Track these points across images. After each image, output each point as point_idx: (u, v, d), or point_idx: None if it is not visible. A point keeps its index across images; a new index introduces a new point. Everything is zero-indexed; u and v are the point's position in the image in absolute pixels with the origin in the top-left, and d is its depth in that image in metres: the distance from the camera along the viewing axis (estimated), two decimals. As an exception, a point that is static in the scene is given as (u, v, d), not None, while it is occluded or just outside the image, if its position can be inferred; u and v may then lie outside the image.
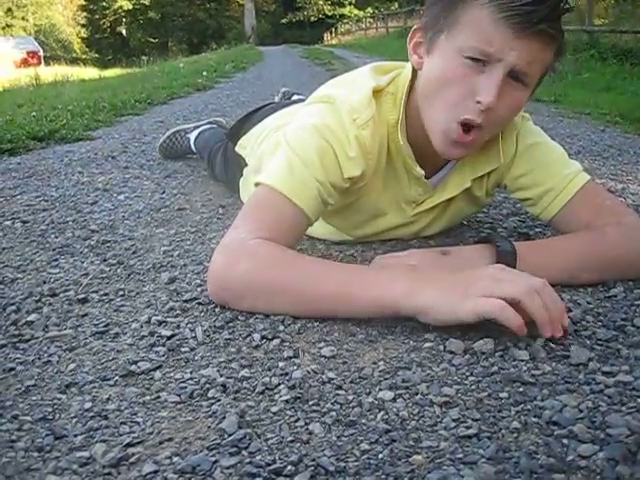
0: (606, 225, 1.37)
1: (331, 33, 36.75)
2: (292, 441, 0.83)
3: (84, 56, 38.87)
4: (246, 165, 1.92)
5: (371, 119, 1.33)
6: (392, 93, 1.38)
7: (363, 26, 30.73)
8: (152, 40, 41.83)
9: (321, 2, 42.85)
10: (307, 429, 0.86)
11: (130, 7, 41.27)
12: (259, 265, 1.19)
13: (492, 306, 1.03)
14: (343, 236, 1.63)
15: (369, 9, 39.64)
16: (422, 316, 1.10)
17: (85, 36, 43.31)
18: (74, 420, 0.90)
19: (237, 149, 2.03)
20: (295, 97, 3.31)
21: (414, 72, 1.37)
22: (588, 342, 1.09)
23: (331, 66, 11.01)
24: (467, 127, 1.25)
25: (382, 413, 0.89)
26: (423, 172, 1.44)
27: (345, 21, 38.02)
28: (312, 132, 1.31)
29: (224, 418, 0.89)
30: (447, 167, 1.49)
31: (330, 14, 42.36)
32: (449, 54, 1.22)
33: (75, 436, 0.86)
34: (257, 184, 1.32)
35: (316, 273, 1.19)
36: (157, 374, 1.03)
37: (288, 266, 1.20)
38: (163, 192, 2.35)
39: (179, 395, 0.96)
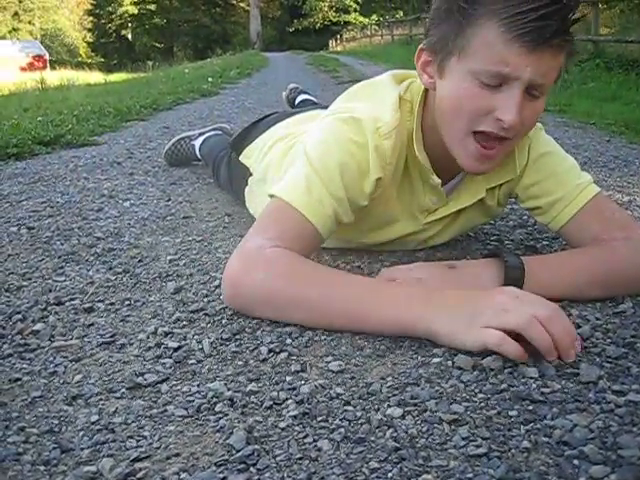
0: (614, 239, 1.36)
1: (336, 40, 36.83)
2: (300, 458, 0.83)
3: (90, 60, 38.96)
4: (251, 175, 1.92)
5: (395, 128, 1.33)
6: (409, 101, 1.38)
7: (368, 33, 30.75)
8: (157, 45, 41.95)
9: (326, 9, 42.96)
10: (316, 446, 0.85)
11: (136, 12, 41.40)
12: (275, 274, 1.19)
13: (491, 338, 1.03)
14: (351, 244, 1.62)
15: (374, 16, 39.70)
16: (433, 339, 1.11)
17: (91, 40, 43.45)
18: (81, 433, 0.90)
19: (241, 159, 2.02)
20: (303, 96, 3.31)
21: None
22: (598, 359, 1.08)
23: (336, 73, 11.03)
24: (485, 136, 1.24)
25: (391, 430, 0.88)
26: (439, 181, 1.43)
27: (350, 28, 38.10)
28: (334, 147, 1.31)
29: (232, 433, 0.88)
30: (460, 176, 1.49)
31: (335, 21, 42.50)
32: (462, 77, 1.22)
33: (82, 450, 0.86)
34: (273, 195, 1.32)
35: (331, 288, 1.19)
36: (164, 387, 1.02)
37: (304, 278, 1.20)
38: (169, 199, 2.35)
39: (186, 409, 0.95)
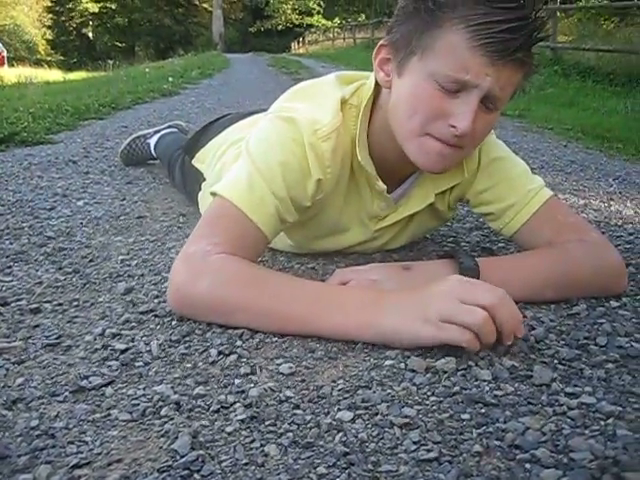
0: (569, 242, 1.36)
1: (298, 42, 36.81)
2: (247, 464, 0.80)
3: (49, 58, 38.36)
4: (204, 179, 1.88)
5: (335, 131, 1.30)
6: (355, 105, 1.35)
7: (331, 36, 30.82)
8: (119, 44, 41.49)
9: (289, 11, 42.90)
10: (263, 451, 0.83)
11: (97, 10, 40.91)
12: (221, 281, 1.16)
13: (453, 335, 1.03)
14: (303, 250, 1.60)
15: (337, 19, 39.83)
16: (386, 342, 1.09)
17: (50, 38, 42.78)
18: (19, 439, 0.86)
19: (194, 163, 1.98)
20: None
21: (377, 85, 1.34)
22: (551, 362, 1.07)
23: (297, 75, 11.01)
24: (442, 142, 1.23)
25: (340, 434, 0.86)
26: (385, 187, 1.41)
27: (313, 30, 38.11)
28: (275, 146, 1.29)
29: (177, 438, 0.85)
30: (408, 181, 1.47)
31: (298, 23, 42.45)
32: (421, 78, 1.20)
33: (19, 457, 0.82)
34: (215, 193, 1.29)
35: (280, 294, 1.16)
36: (109, 390, 0.99)
37: (251, 284, 1.17)
38: (123, 199, 2.31)
39: (131, 413, 0.92)
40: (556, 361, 1.07)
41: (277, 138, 1.29)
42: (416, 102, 1.22)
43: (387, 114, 1.31)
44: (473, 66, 1.14)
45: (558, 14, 11.22)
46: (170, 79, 9.12)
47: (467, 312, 1.02)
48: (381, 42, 1.30)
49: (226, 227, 1.25)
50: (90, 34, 43.28)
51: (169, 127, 2.80)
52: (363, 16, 36.13)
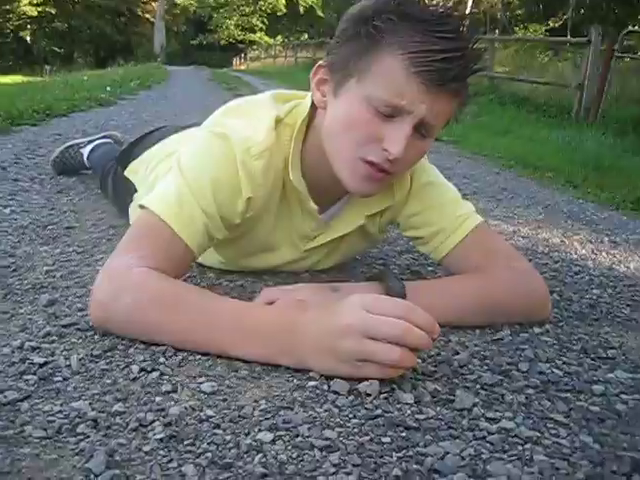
0: (495, 268, 1.38)
1: (240, 58, 36.81)
2: (162, 484, 0.79)
3: (-18, 60, 37.49)
4: (136, 191, 1.86)
5: (267, 150, 1.30)
6: (290, 125, 1.35)
7: (272, 53, 30.95)
8: (57, 50, 40.70)
9: (232, 27, 42.88)
10: (180, 471, 0.81)
11: (35, 14, 40.14)
12: (144, 299, 1.14)
13: (371, 372, 1.02)
14: (233, 267, 1.59)
15: (279, 37, 39.99)
16: (307, 368, 1.09)
17: (-16, 39, 41.76)
18: None
19: (127, 174, 1.95)
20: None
21: (313, 105, 1.34)
22: (473, 386, 1.08)
23: (238, 91, 10.97)
24: (371, 165, 1.23)
25: (260, 455, 0.85)
26: (316, 207, 1.42)
27: (255, 47, 38.19)
28: (207, 161, 1.28)
29: (92, 457, 0.83)
30: (340, 203, 1.48)
31: (240, 39, 42.45)
32: (357, 100, 1.21)
33: None
34: (143, 206, 1.27)
35: (199, 318, 1.13)
36: (24, 405, 0.95)
37: (172, 306, 1.15)
38: (52, 208, 2.25)
39: (45, 430, 0.89)
40: (478, 386, 1.09)
41: (209, 154, 1.28)
42: (351, 124, 1.23)
43: (321, 135, 1.31)
44: (409, 93, 1.16)
45: (496, 45, 11.50)
46: (108, 88, 8.98)
47: (381, 352, 1.00)
48: (320, 62, 1.31)
49: (152, 241, 1.23)
50: (28, 37, 42.43)
51: (104, 137, 2.75)
52: (306, 36, 36.36)
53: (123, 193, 2.00)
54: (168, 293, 1.17)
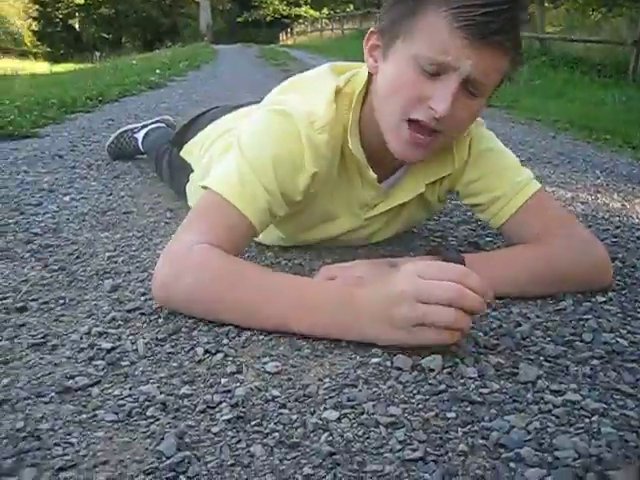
0: (555, 237, 1.36)
1: (287, 33, 36.72)
2: (232, 465, 0.80)
3: (35, 50, 38.07)
4: (192, 171, 1.88)
5: (330, 122, 1.30)
6: (348, 94, 1.36)
7: (319, 27, 30.74)
8: (105, 36, 41.19)
9: (277, 2, 42.75)
10: (249, 451, 0.83)
11: (82, 1, 40.60)
12: (205, 278, 1.16)
13: (428, 338, 1.02)
14: (293, 242, 1.60)
15: (325, 10, 39.70)
16: (366, 342, 1.10)
17: (36, 29, 42.39)
18: (4, 441, 0.85)
19: (182, 154, 1.98)
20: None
21: (370, 74, 1.34)
22: (537, 359, 1.07)
23: (286, 67, 10.98)
24: (418, 127, 1.23)
25: (326, 434, 0.86)
26: (375, 176, 1.42)
27: (301, 21, 38.01)
28: (267, 140, 1.29)
29: (162, 439, 0.85)
30: (400, 171, 1.48)
31: (286, 14, 42.30)
32: (404, 60, 1.21)
33: (4, 459, 0.82)
34: (205, 187, 1.29)
35: (261, 291, 1.15)
36: (95, 390, 0.98)
37: (234, 282, 1.16)
38: (110, 194, 2.29)
39: (117, 414, 0.92)
40: (542, 358, 1.08)
41: (270, 132, 1.30)
42: (398, 85, 1.23)
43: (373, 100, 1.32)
44: (453, 48, 1.15)
45: (546, 4, 11.22)
46: (157, 71, 9.07)
47: (434, 314, 1.00)
48: (371, 29, 1.32)
49: (214, 220, 1.25)
50: (77, 25, 42.97)
51: (157, 122, 2.78)
52: (351, 7, 36.02)
53: (179, 175, 2.03)
54: (229, 271, 1.18)
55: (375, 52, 1.30)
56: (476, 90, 1.21)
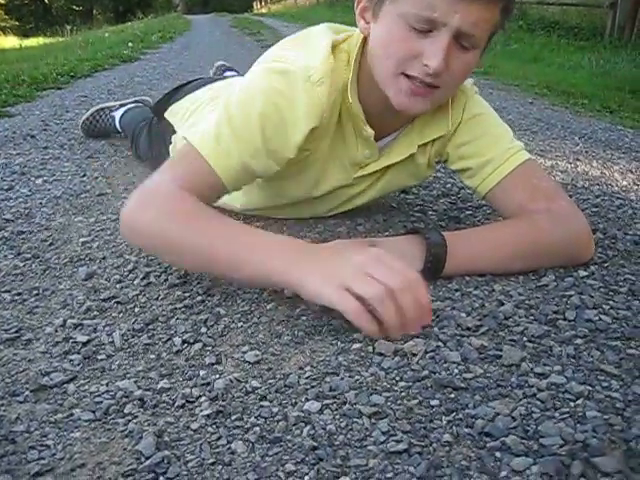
0: (537, 211, 1.35)
1: (260, 2, 36.25)
2: (213, 463, 0.78)
3: (3, 24, 37.32)
4: (174, 132, 1.87)
5: (327, 74, 1.29)
6: (346, 51, 1.35)
7: (293, -6, 30.36)
8: (75, 8, 40.46)
9: (251, -31, 42.14)
10: (229, 448, 0.81)
11: (52, -28, 39.84)
12: (167, 213, 1.19)
13: (348, 307, 1.02)
14: (269, 203, 1.60)
15: (299, -24, 39.19)
16: (294, 291, 1.11)
17: (4, 2, 41.57)
18: (-23, 446, 0.83)
19: (167, 115, 1.99)
20: (228, 73, 3.23)
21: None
22: (520, 339, 1.06)
23: (260, 36, 10.85)
24: (415, 82, 1.23)
25: (308, 427, 0.84)
26: (372, 132, 1.41)
27: (275, -12, 37.53)
28: (258, 96, 1.27)
29: (141, 438, 0.83)
30: (395, 134, 1.48)
31: (260, -19, 41.75)
32: (393, 19, 1.20)
33: (-23, 465, 0.79)
34: (185, 138, 1.31)
35: (214, 235, 1.16)
36: (71, 387, 0.96)
37: (191, 222, 1.18)
38: (84, 175, 2.25)
39: (94, 412, 0.90)
40: (525, 339, 1.06)
41: (261, 89, 1.28)
42: (389, 44, 1.23)
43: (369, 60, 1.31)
44: (439, 3, 1.14)
45: (521, -33, 11.15)
46: (130, 44, 8.92)
47: (366, 283, 1.01)
48: None
49: (187, 169, 1.27)
50: (46, -3, 42.15)
51: (135, 102, 2.75)
52: (326, -27, 35.58)
53: (159, 144, 2.02)
54: (191, 210, 1.19)
55: (366, 14, 1.30)
56: (468, 43, 1.20)
